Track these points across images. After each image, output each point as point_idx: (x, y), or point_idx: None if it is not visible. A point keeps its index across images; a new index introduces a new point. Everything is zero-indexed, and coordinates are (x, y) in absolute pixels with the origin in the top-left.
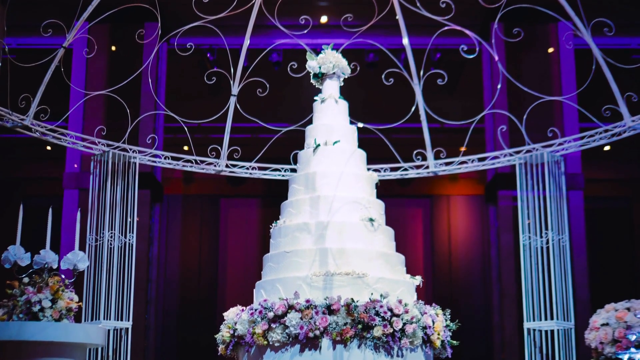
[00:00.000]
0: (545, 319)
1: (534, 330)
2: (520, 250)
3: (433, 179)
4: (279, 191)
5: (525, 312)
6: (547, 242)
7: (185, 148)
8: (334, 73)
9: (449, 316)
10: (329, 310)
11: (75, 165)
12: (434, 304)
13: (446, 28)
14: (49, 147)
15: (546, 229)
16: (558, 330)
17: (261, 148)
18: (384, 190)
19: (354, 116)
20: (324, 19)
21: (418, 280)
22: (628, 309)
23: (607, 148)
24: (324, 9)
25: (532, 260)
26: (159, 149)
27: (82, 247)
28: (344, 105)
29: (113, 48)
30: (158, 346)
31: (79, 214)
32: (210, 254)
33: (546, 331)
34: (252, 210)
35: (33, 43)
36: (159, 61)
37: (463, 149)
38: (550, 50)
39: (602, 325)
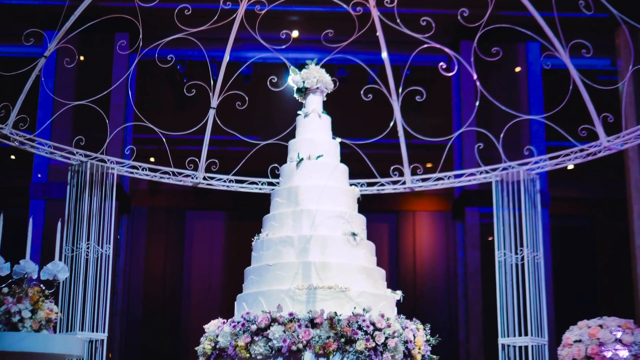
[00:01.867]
0: (520, 335)
1: (508, 346)
2: (495, 267)
3: (398, 195)
4: (245, 205)
5: (500, 328)
6: (522, 259)
7: (152, 159)
8: (317, 88)
9: (430, 331)
10: (312, 323)
11: (39, 175)
12: (414, 319)
13: (425, 46)
14: (13, 157)
15: (521, 246)
16: (532, 346)
17: (234, 161)
18: None
19: None
20: (295, 34)
21: (399, 294)
22: (601, 326)
23: (570, 167)
24: (294, 24)
25: (507, 277)
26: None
27: (53, 258)
28: (327, 120)
29: (81, 58)
30: (122, 357)
31: (59, 224)
32: (175, 265)
33: (520, 347)
34: (217, 223)
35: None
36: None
37: (430, 165)
38: (518, 69)
39: (575, 341)
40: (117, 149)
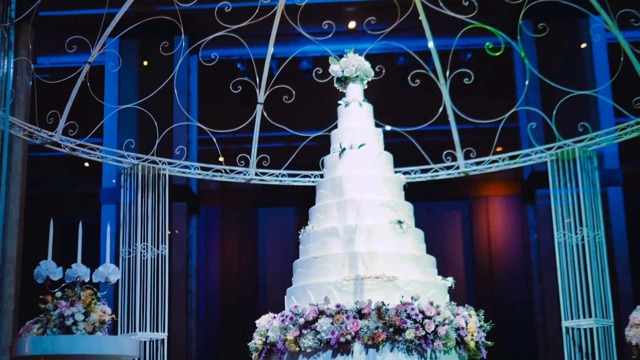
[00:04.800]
0: (584, 317)
1: (573, 328)
2: (559, 248)
3: (470, 181)
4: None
5: (563, 310)
6: (583, 239)
7: (221, 159)
8: (357, 76)
9: (483, 317)
10: (360, 314)
11: (114, 181)
12: (467, 305)
13: (471, 26)
14: (86, 164)
15: (581, 225)
16: (597, 328)
17: (289, 156)
18: (421, 193)
19: (384, 120)
20: (351, 25)
21: (450, 281)
22: None
23: None
24: (352, 15)
25: (569, 258)
26: (192, 161)
27: (117, 260)
28: (368, 108)
29: (145, 63)
30: (201, 357)
31: (108, 227)
32: (250, 263)
33: (585, 329)
34: (289, 219)
35: (66, 62)
36: (190, 74)
37: (500, 149)
38: (583, 45)
39: None
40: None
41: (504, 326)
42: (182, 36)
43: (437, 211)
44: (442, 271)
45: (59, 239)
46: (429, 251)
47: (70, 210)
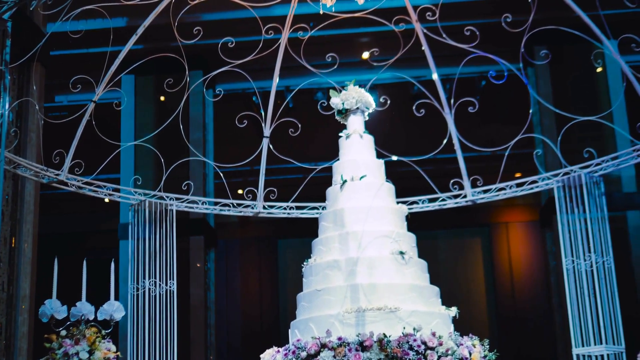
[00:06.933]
0: (595, 344)
1: (584, 356)
2: (568, 275)
3: (490, 208)
4: None
5: (573, 337)
6: (591, 266)
7: (240, 192)
8: (357, 108)
9: (488, 346)
10: (362, 346)
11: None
12: (471, 335)
13: (473, 55)
14: (107, 200)
15: (589, 251)
16: (608, 354)
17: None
18: (441, 221)
19: (400, 149)
20: (365, 55)
21: (454, 311)
22: None
23: None
24: (367, 45)
25: (578, 285)
26: (209, 195)
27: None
28: (369, 139)
29: (162, 98)
30: None
31: (112, 264)
32: (271, 295)
33: (597, 356)
34: (310, 250)
35: (82, 99)
36: (206, 108)
37: (518, 175)
38: (599, 69)
39: None
40: (199, 184)
41: (527, 353)
42: (187, 72)
43: (459, 238)
44: (464, 298)
45: (80, 276)
46: (451, 277)
47: (94, 247)
